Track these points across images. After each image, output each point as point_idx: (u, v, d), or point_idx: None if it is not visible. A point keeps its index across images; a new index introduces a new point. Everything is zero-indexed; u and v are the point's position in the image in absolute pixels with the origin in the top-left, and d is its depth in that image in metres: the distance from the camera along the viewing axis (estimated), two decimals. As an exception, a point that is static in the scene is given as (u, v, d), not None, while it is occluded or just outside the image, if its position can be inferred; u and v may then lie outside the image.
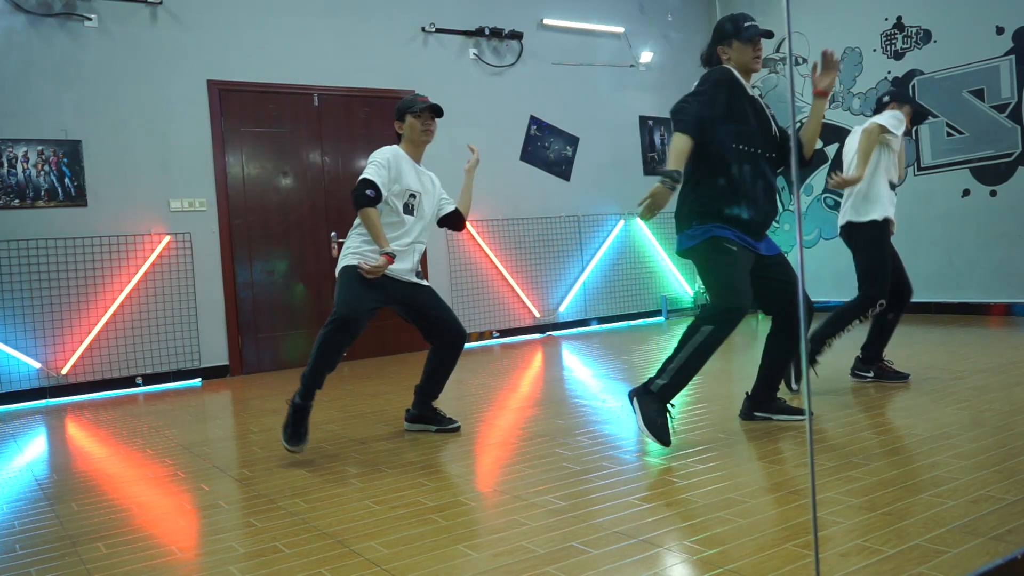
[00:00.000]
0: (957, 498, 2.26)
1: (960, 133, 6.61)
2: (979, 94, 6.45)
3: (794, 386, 3.90)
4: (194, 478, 3.16)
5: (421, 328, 3.69)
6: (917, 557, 1.88)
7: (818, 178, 7.70)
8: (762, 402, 3.44)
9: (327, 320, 3.31)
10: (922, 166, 6.88)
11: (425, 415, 3.73)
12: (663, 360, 3.12)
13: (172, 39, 5.92)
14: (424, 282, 3.69)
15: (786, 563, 1.90)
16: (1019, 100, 6.22)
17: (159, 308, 5.83)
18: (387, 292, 3.48)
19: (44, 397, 5.43)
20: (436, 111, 3.58)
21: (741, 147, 3.17)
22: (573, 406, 4.08)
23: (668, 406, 3.07)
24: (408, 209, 3.55)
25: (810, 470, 1.50)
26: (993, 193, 6.45)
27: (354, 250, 3.49)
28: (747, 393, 3.49)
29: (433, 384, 3.69)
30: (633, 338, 6.88)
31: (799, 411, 3.41)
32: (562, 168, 7.76)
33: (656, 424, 3.01)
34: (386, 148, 3.56)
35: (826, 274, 7.59)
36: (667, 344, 6.32)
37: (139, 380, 5.75)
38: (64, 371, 5.50)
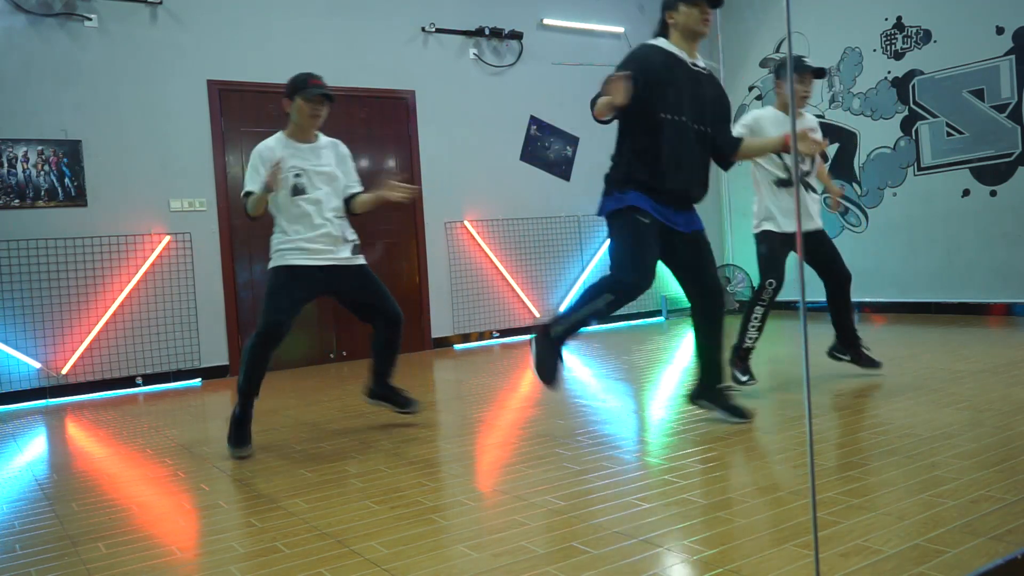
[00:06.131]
0: (957, 498, 2.26)
1: (960, 133, 6.60)
2: (979, 94, 6.45)
3: (742, 378, 3.95)
4: (194, 478, 3.16)
5: (353, 311, 3.63)
6: (917, 557, 1.88)
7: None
8: (706, 391, 3.40)
9: (255, 331, 3.37)
10: (922, 166, 6.88)
11: (385, 393, 3.72)
12: (568, 307, 3.21)
13: (172, 39, 5.92)
14: (359, 260, 3.60)
15: (786, 563, 1.90)
16: (1019, 100, 6.22)
17: (159, 308, 5.83)
18: (314, 286, 3.48)
19: (44, 397, 5.43)
20: (329, 99, 3.56)
21: (666, 115, 3.16)
22: (573, 406, 4.08)
23: (561, 352, 3.17)
24: (298, 190, 3.47)
25: (810, 470, 1.50)
26: (993, 193, 6.45)
27: (275, 248, 3.52)
28: (699, 379, 3.45)
29: (383, 365, 3.67)
30: (633, 338, 6.88)
31: (742, 413, 3.32)
32: (562, 168, 7.76)
33: (546, 366, 3.10)
34: (263, 142, 3.56)
35: (826, 274, 7.58)
36: (667, 344, 6.32)
37: (139, 380, 5.75)
38: (64, 371, 5.50)
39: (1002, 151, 6.36)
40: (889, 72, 7.06)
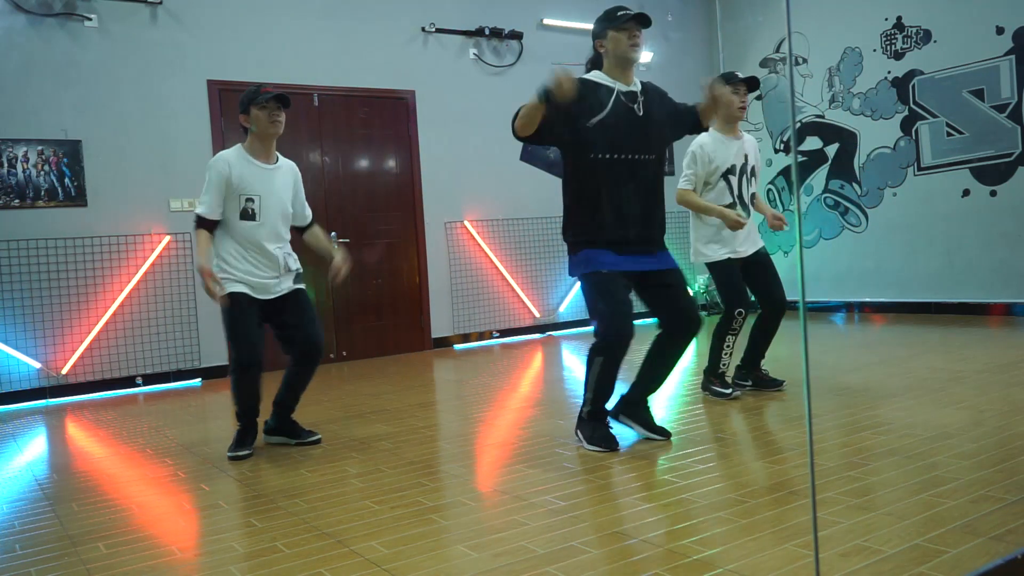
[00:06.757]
0: (957, 498, 2.26)
1: (960, 133, 6.60)
2: (979, 94, 6.45)
3: (726, 391, 3.92)
4: (194, 478, 3.16)
5: (278, 337, 3.53)
6: (917, 557, 1.88)
7: (818, 178, 7.70)
8: (630, 407, 3.31)
9: (232, 366, 3.40)
10: (922, 166, 6.88)
11: (283, 427, 3.63)
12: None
13: (172, 39, 5.91)
14: (299, 286, 3.53)
15: (786, 563, 1.90)
16: (1019, 100, 6.22)
17: (159, 308, 5.83)
18: (260, 314, 3.44)
19: (44, 397, 5.42)
20: (283, 101, 3.38)
21: (603, 156, 3.07)
22: (573, 406, 4.08)
23: (606, 418, 3.21)
24: (247, 215, 3.35)
25: (810, 470, 1.50)
26: (993, 193, 6.45)
27: (218, 272, 3.37)
28: (622, 395, 3.33)
29: (289, 398, 3.59)
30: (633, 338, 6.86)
31: (663, 432, 3.23)
32: (562, 168, 7.75)
33: (597, 436, 3.13)
34: (222, 155, 3.39)
35: (826, 275, 7.59)
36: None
37: (139, 380, 5.74)
38: (64, 371, 5.50)
39: (1002, 151, 6.35)
40: (889, 72, 7.06)
